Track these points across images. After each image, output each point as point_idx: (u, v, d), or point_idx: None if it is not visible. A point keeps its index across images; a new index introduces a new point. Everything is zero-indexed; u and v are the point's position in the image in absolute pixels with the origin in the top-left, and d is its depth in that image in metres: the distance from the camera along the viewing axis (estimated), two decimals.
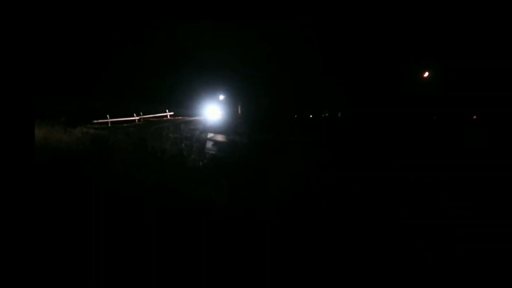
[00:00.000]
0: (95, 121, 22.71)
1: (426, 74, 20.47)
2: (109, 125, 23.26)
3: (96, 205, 4.66)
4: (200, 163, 8.56)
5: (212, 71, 29.07)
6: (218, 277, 2.97)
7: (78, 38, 25.30)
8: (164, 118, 30.36)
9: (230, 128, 21.41)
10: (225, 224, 4.24)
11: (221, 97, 28.53)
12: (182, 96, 35.63)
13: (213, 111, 30.87)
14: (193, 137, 16.72)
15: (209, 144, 13.36)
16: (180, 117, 32.73)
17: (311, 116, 23.79)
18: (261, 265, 3.20)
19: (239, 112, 25.84)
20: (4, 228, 3.67)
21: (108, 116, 23.66)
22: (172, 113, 32.08)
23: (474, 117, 16.78)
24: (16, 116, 4.05)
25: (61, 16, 23.40)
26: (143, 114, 27.49)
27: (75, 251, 3.38)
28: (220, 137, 16.77)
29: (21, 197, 4.08)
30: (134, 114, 26.36)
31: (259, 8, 22.19)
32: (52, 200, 4.69)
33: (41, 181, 5.72)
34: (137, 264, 3.09)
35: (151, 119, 28.32)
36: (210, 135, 17.75)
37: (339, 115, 22.35)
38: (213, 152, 10.87)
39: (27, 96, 4.10)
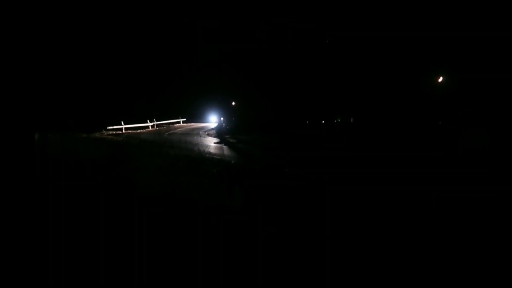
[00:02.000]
0: (110, 127, 23.17)
1: (441, 79, 20.15)
2: (124, 131, 23.67)
3: (111, 205, 4.72)
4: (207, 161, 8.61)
5: (217, 83, 29.90)
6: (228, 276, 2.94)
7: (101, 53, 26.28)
8: (176, 125, 31.18)
9: (235, 133, 21.78)
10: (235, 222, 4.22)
11: (232, 103, 28.95)
12: (193, 107, 37.57)
13: (216, 119, 32.40)
14: (199, 139, 16.96)
15: (211, 146, 13.46)
16: (191, 124, 34.02)
17: (323, 121, 23.67)
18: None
19: (249, 117, 25.98)
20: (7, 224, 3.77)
21: (122, 122, 24.09)
22: (184, 119, 33.20)
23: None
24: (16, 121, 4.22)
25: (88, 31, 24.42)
26: (157, 121, 28.09)
27: (89, 247, 3.42)
28: (221, 141, 17.00)
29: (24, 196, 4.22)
30: (148, 121, 26.91)
31: (265, 9, 22.47)
32: (66, 201, 4.79)
33: (58, 180, 5.87)
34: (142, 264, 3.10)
35: (164, 125, 28.96)
36: (213, 139, 18.00)
37: (351, 120, 22.17)
38: (216, 156, 10.91)
39: (26, 102, 4.28)
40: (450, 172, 8.20)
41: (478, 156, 10.49)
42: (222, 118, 28.33)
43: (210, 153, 11.81)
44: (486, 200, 5.47)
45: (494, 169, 8.48)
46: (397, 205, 5.36)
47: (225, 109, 29.26)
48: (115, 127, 23.51)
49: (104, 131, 22.41)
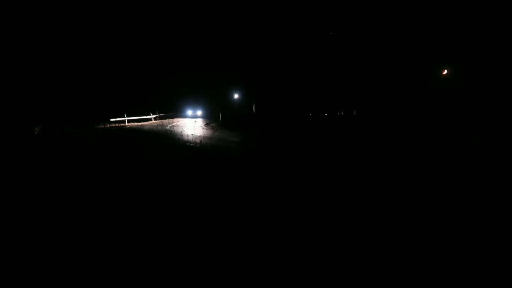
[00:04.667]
0: (112, 119, 23.20)
1: (445, 72, 19.97)
2: (126, 123, 23.72)
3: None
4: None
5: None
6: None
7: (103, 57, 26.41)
8: (177, 118, 31.33)
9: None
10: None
11: (235, 96, 28.90)
12: (191, 101, 37.87)
13: (214, 113, 33.01)
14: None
15: (213, 138, 13.57)
16: (190, 116, 34.31)
17: (326, 114, 23.63)
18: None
19: (251, 110, 25.93)
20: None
21: (125, 114, 24.11)
22: (184, 111, 33.40)
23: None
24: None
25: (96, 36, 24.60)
26: (159, 113, 28.20)
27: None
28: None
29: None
30: (150, 113, 26.98)
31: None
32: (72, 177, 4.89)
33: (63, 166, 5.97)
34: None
35: (165, 117, 29.05)
36: (214, 132, 18.13)
37: (354, 113, 22.13)
38: (219, 149, 11.03)
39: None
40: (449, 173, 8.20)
41: (478, 156, 10.43)
42: (222, 112, 28.32)
43: (212, 145, 11.88)
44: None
45: (494, 169, 8.45)
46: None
47: (226, 103, 29.22)
48: (118, 119, 23.52)
49: (107, 124, 22.45)
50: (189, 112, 34.63)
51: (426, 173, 7.63)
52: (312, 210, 4.58)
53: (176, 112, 32.13)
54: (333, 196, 5.38)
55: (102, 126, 20.25)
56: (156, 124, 23.85)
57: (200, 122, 26.11)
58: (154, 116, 27.47)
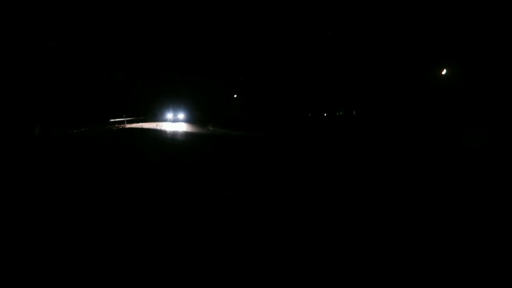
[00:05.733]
0: (112, 120, 23.28)
1: (444, 72, 20.06)
2: (125, 123, 23.77)
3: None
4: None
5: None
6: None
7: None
8: (175, 121, 31.47)
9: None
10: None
11: (234, 96, 28.90)
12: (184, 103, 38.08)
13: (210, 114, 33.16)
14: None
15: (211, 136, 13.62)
16: (181, 117, 34.50)
17: (325, 114, 23.70)
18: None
19: (247, 110, 25.98)
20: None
21: (124, 115, 24.17)
22: (180, 113, 33.50)
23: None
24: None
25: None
26: (156, 114, 28.44)
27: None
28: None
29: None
30: (150, 114, 27.20)
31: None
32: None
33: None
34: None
35: (163, 118, 29.25)
36: (213, 131, 18.19)
37: (353, 113, 22.20)
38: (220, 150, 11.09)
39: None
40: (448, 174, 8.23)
41: (478, 156, 10.44)
42: (221, 113, 28.42)
43: (212, 144, 11.92)
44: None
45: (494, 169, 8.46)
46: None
47: (226, 103, 29.29)
48: (117, 119, 23.61)
49: (107, 125, 22.52)
50: (189, 113, 34.74)
51: (425, 172, 7.66)
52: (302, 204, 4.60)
53: (176, 113, 32.21)
54: (328, 195, 5.40)
55: (102, 127, 20.29)
56: (155, 124, 23.89)
57: (199, 122, 26.16)
58: (154, 116, 27.61)
